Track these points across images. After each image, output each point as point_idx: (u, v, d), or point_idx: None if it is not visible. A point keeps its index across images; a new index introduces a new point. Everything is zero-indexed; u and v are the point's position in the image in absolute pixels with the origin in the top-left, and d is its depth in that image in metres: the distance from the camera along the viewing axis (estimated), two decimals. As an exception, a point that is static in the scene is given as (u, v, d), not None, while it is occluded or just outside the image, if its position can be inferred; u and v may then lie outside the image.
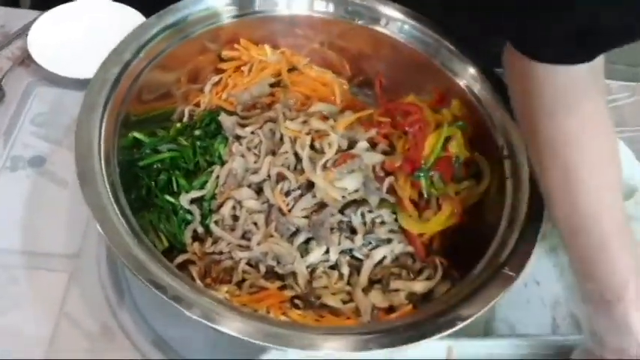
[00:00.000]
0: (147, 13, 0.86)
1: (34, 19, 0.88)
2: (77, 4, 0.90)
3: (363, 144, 0.67)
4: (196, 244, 0.64)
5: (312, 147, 0.66)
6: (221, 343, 0.59)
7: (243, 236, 0.63)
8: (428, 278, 0.65)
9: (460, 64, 0.76)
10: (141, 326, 0.62)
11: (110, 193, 0.56)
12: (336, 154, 0.66)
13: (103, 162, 0.58)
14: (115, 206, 0.56)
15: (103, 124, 0.61)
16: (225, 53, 0.78)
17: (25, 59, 0.84)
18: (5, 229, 0.68)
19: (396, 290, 0.63)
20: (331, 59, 0.82)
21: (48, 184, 0.73)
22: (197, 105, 0.77)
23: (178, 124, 0.74)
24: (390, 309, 0.62)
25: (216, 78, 0.78)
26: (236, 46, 0.77)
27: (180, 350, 0.61)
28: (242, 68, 0.77)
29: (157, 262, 0.53)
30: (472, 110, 0.74)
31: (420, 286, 0.63)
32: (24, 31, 0.87)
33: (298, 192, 0.64)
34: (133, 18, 0.87)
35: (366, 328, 0.56)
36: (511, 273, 0.59)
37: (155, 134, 0.70)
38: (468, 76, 0.75)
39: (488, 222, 0.68)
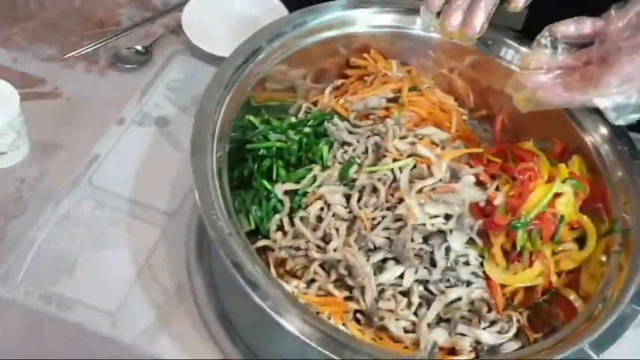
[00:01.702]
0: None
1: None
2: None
3: (469, 178, 0.64)
4: (279, 234, 0.65)
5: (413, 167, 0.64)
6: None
7: (323, 239, 0.62)
8: (499, 332, 0.60)
9: (591, 119, 0.70)
10: (210, 296, 0.64)
11: (214, 166, 0.58)
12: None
13: (216, 135, 0.60)
14: (216, 179, 0.57)
15: (226, 101, 0.63)
16: (354, 60, 0.77)
17: (176, 29, 0.90)
18: (122, 176, 0.73)
19: (462, 335, 0.59)
20: (457, 87, 0.79)
21: (166, 145, 0.77)
22: (314, 104, 0.78)
23: (292, 119, 0.75)
24: (452, 351, 0.59)
25: (338, 82, 0.78)
26: (365, 55, 0.77)
27: (241, 330, 0.62)
28: (365, 78, 0.77)
29: (241, 241, 0.54)
30: (593, 171, 0.69)
31: (489, 337, 0.59)
32: (182, 5, 0.93)
33: (385, 211, 0.62)
34: (278, 10, 0.90)
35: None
36: (594, 356, 0.53)
37: (269, 122, 0.71)
38: (597, 134, 0.69)
39: (582, 292, 0.63)
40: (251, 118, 0.69)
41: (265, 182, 0.66)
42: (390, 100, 0.74)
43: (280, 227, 0.65)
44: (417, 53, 0.77)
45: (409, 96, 0.74)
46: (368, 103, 0.73)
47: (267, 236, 0.65)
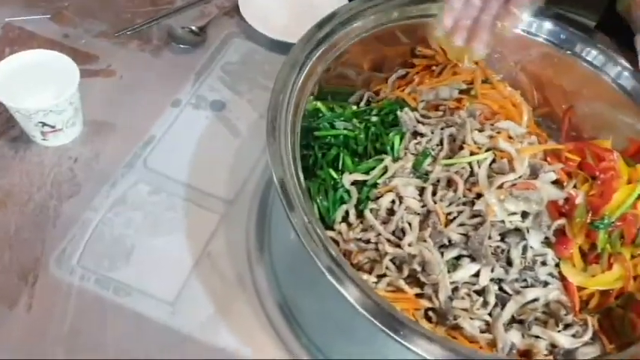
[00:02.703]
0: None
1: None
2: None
3: (549, 175, 0.60)
4: (343, 225, 0.61)
5: (491, 162, 0.60)
6: (349, 330, 0.55)
7: (394, 233, 0.58)
8: (574, 335, 0.56)
9: None
10: (273, 286, 0.61)
11: (291, 155, 0.54)
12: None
13: (289, 121, 0.57)
14: (292, 165, 0.54)
15: (298, 85, 0.59)
16: (421, 50, 0.74)
17: (231, 10, 0.87)
18: (177, 160, 0.70)
19: (537, 337, 0.56)
20: (521, 83, 0.75)
21: (222, 129, 0.74)
22: (376, 93, 0.74)
23: (354, 107, 0.71)
24: (526, 353, 0.55)
25: (402, 72, 0.75)
26: (434, 45, 0.73)
27: (304, 323, 0.59)
28: (433, 68, 0.73)
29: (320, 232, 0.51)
30: None
31: (564, 340, 0.55)
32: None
33: (462, 206, 0.58)
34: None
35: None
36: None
37: (334, 110, 0.67)
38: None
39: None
40: (319, 104, 0.66)
41: (332, 171, 0.62)
42: (461, 92, 0.70)
43: (345, 219, 0.62)
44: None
45: (481, 87, 0.70)
46: (439, 93, 0.69)
47: (331, 227, 0.61)
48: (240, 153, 0.72)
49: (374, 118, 0.67)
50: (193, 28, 0.83)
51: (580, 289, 0.60)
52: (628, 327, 0.60)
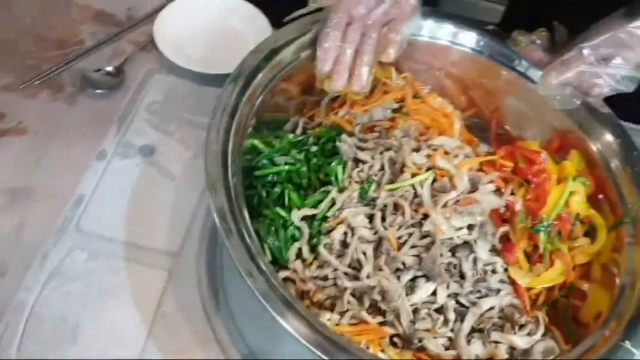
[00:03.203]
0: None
1: (162, 6, 0.85)
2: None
3: (489, 187, 0.62)
4: (298, 263, 0.60)
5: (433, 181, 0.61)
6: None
7: (350, 265, 0.58)
8: (529, 334, 0.59)
9: (584, 111, 0.68)
10: (235, 338, 0.59)
11: (235, 201, 0.53)
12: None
13: (229, 168, 0.55)
14: (237, 214, 0.52)
15: (232, 128, 0.57)
16: (348, 70, 0.73)
17: (147, 45, 0.82)
18: (112, 217, 0.66)
19: (496, 342, 0.58)
20: (448, 89, 0.77)
21: (156, 175, 0.71)
22: (311, 118, 0.73)
23: (291, 136, 0.69)
24: (489, 361, 0.57)
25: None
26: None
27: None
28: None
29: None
30: (591, 164, 0.68)
31: (520, 341, 0.58)
32: (150, 17, 0.85)
33: (411, 228, 0.59)
34: (258, 19, 0.84)
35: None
36: (633, 349, 0.53)
37: (269, 143, 0.66)
38: (591, 126, 0.68)
39: (602, 285, 0.63)
40: (255, 142, 0.64)
41: (280, 210, 0.61)
42: (394, 111, 0.71)
43: (299, 256, 0.61)
44: (406, 57, 0.74)
45: (412, 103, 0.71)
46: (373, 114, 0.69)
47: (285, 267, 0.60)
48: (178, 198, 0.68)
49: (313, 148, 0.66)
50: (109, 69, 0.78)
51: (529, 289, 0.62)
52: (572, 314, 0.64)
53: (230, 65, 0.75)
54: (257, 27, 0.83)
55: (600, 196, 0.67)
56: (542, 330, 0.60)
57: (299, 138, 0.68)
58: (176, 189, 0.69)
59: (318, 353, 0.46)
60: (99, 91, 0.75)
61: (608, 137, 0.68)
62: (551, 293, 0.64)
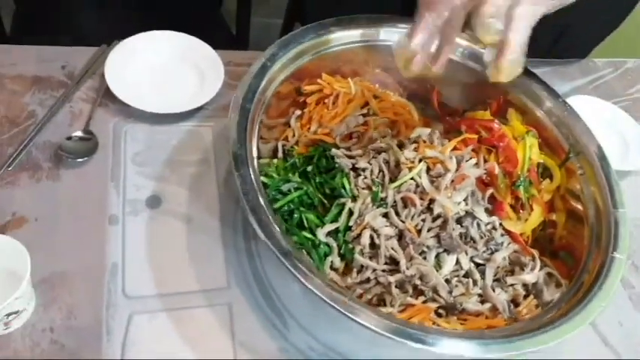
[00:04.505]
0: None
1: (98, 56, 0.81)
2: (141, 38, 0.83)
3: (471, 162, 0.69)
4: (333, 274, 0.64)
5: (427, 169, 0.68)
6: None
7: (386, 262, 0.64)
8: (532, 269, 0.69)
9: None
10: (313, 344, 0.62)
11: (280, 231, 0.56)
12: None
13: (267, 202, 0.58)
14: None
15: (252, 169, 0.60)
16: (306, 87, 0.76)
17: (104, 98, 0.78)
18: (151, 273, 0.64)
19: (512, 285, 0.67)
20: (388, 83, 0.81)
21: (172, 222, 0.69)
22: (285, 139, 0.75)
23: (275, 161, 0.72)
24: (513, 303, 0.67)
25: (298, 112, 0.76)
26: (319, 80, 0.76)
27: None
28: (325, 101, 0.76)
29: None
30: (527, 115, 0.78)
31: (530, 277, 0.66)
32: (90, 70, 0.81)
33: (422, 215, 0.66)
34: (203, 50, 0.83)
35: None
36: (620, 256, 0.63)
37: (269, 175, 0.68)
38: (515, 85, 0.76)
39: (564, 211, 0.74)
40: (262, 178, 0.65)
41: (306, 233, 0.64)
42: (364, 115, 0.75)
43: (332, 267, 0.64)
44: (350, 64, 0.78)
45: (376, 104, 0.76)
46: (348, 123, 0.73)
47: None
48: (203, 236, 0.68)
49: (309, 168, 0.69)
50: (79, 134, 0.73)
51: (521, 234, 0.72)
52: (550, 241, 0.74)
53: (193, 101, 0.77)
54: (208, 61, 0.83)
55: (540, 141, 0.77)
56: (539, 262, 0.68)
57: (291, 162, 0.70)
58: (197, 228, 0.69)
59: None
60: (79, 159, 0.71)
61: (533, 88, 0.77)
62: (534, 232, 0.73)
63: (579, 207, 0.72)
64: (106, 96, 0.78)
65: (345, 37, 0.75)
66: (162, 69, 0.83)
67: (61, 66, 0.81)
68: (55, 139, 0.73)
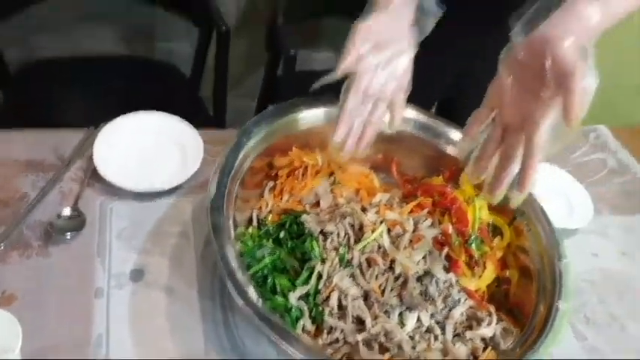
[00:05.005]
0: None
1: (86, 139, 0.87)
2: (125, 119, 0.90)
3: (426, 223, 0.76)
4: (305, 336, 0.67)
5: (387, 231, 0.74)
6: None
7: (353, 321, 0.68)
8: (489, 324, 0.74)
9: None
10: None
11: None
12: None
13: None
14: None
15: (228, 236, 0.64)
16: (278, 161, 0.82)
17: (91, 179, 0.84)
18: (135, 345, 0.67)
19: (471, 339, 0.72)
20: None
21: (156, 294, 0.73)
22: (259, 209, 0.80)
23: (251, 230, 0.77)
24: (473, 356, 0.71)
25: (271, 183, 0.82)
26: (289, 153, 0.82)
27: None
28: (295, 173, 0.82)
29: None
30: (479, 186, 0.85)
31: (487, 331, 0.71)
32: (79, 152, 0.86)
33: (385, 274, 0.71)
34: (184, 130, 0.90)
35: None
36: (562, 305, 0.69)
37: (244, 242, 0.73)
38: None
39: (517, 268, 0.79)
40: (238, 246, 0.70)
41: (278, 297, 0.68)
42: (330, 184, 0.82)
43: (304, 330, 0.68)
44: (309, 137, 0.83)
45: (340, 173, 0.83)
46: (317, 192, 0.80)
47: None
48: (185, 306, 0.72)
49: (282, 234, 0.75)
50: (68, 212, 0.78)
51: (476, 290, 0.77)
52: (505, 296, 0.79)
53: (174, 178, 0.83)
54: (188, 139, 0.90)
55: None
56: (495, 317, 0.73)
57: (264, 229, 0.76)
58: (178, 299, 0.72)
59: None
60: (67, 236, 0.76)
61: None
62: (489, 288, 0.78)
63: (528, 263, 0.78)
64: (93, 176, 0.83)
65: (310, 116, 0.82)
66: (147, 148, 0.88)
67: (53, 149, 0.87)
68: (45, 218, 0.77)
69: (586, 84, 0.56)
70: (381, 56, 0.69)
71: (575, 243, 0.96)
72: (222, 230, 0.64)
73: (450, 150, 0.87)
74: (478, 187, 0.82)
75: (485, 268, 0.77)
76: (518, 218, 0.81)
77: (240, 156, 0.73)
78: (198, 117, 1.41)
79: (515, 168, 0.63)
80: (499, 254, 0.81)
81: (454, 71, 1.12)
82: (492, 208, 0.83)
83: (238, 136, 0.75)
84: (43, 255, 0.74)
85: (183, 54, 1.68)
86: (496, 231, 0.83)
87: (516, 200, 0.64)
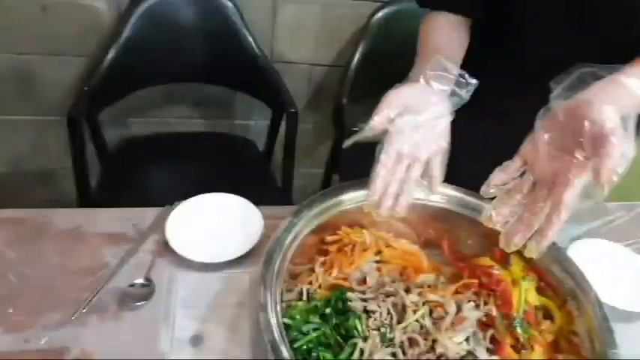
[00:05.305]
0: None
1: (161, 217, 0.98)
2: (199, 200, 1.00)
3: (469, 305, 0.76)
4: None
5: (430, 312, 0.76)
6: None
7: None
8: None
9: None
10: None
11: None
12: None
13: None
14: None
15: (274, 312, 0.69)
16: (329, 238, 0.87)
17: (162, 250, 0.93)
18: None
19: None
20: (402, 230, 0.91)
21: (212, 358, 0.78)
22: (310, 283, 0.84)
23: (300, 303, 0.80)
24: None
25: (322, 259, 0.86)
26: (338, 232, 0.87)
27: None
28: (344, 249, 0.87)
29: None
30: (528, 261, 0.85)
31: None
32: (155, 227, 0.97)
33: (427, 354, 0.72)
34: (247, 207, 0.98)
35: None
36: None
37: (293, 317, 0.76)
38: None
39: (571, 352, 0.77)
40: (284, 320, 0.74)
41: None
42: (377, 262, 0.85)
43: None
44: (358, 215, 0.87)
45: (388, 251, 0.86)
46: (362, 270, 0.83)
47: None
48: None
49: (328, 310, 0.77)
50: (140, 281, 0.87)
51: (521, 374, 0.76)
52: None
53: (235, 251, 0.89)
54: (250, 216, 0.98)
55: (542, 285, 0.83)
56: None
57: (312, 304, 0.79)
58: None
59: None
60: (138, 303, 0.84)
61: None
62: None
63: (580, 349, 0.76)
64: (165, 248, 0.93)
65: (355, 197, 0.87)
66: (213, 224, 0.97)
67: (132, 224, 0.98)
68: (122, 285, 0.87)
69: (623, 150, 0.57)
70: (413, 118, 0.73)
71: (641, 329, 0.91)
72: (266, 306, 0.69)
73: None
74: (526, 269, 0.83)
75: (532, 351, 0.76)
76: (569, 302, 0.80)
77: (291, 235, 0.79)
78: (268, 187, 1.51)
79: (536, 222, 0.64)
80: (550, 338, 0.79)
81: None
82: (543, 290, 0.82)
83: (290, 216, 0.81)
84: (116, 319, 0.83)
85: (260, 131, 1.83)
86: (550, 314, 0.81)
87: (531, 251, 0.65)
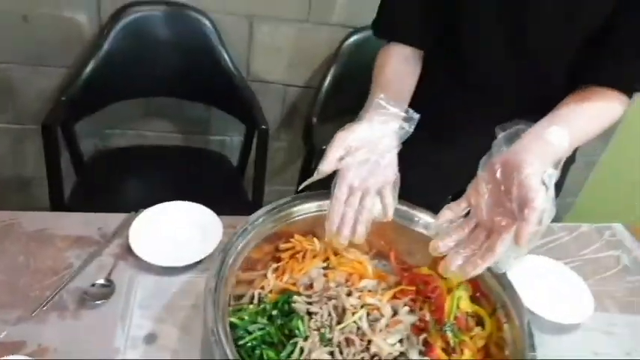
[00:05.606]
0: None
1: (126, 222, 1.03)
2: (163, 207, 1.05)
3: (405, 309, 0.82)
4: None
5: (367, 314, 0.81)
6: None
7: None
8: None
9: None
10: None
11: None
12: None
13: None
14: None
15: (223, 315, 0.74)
16: (283, 245, 0.93)
17: (124, 254, 0.97)
18: None
19: (441, 422, 0.75)
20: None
21: (163, 356, 0.82)
22: (262, 288, 0.88)
23: (252, 307, 0.85)
24: None
25: (274, 265, 0.91)
26: (292, 240, 0.93)
27: None
28: (296, 256, 0.92)
29: None
30: None
31: None
32: (118, 232, 1.01)
33: (361, 354, 0.78)
34: (208, 216, 1.04)
35: None
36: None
37: (241, 318, 0.81)
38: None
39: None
40: (232, 319, 0.78)
41: None
42: (325, 268, 0.91)
43: None
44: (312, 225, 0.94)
45: (336, 259, 0.92)
46: (310, 275, 0.89)
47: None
48: None
49: (274, 312, 0.82)
50: (101, 282, 0.91)
51: (452, 376, 0.81)
52: None
53: (194, 257, 0.94)
54: (211, 224, 1.03)
55: (477, 294, 0.89)
56: None
57: (260, 307, 0.83)
58: None
59: None
60: (98, 302, 0.88)
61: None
62: None
63: (506, 354, 0.82)
64: (128, 252, 0.97)
65: (311, 207, 0.93)
66: (174, 230, 1.02)
67: (98, 228, 1.02)
68: (82, 286, 0.91)
69: (545, 208, 0.65)
70: (359, 155, 0.80)
71: (576, 339, 0.98)
72: (216, 306, 0.74)
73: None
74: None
75: (462, 354, 0.81)
76: (499, 310, 0.86)
77: (242, 243, 0.84)
78: (240, 201, 1.57)
79: (472, 258, 0.71)
80: (480, 343, 0.84)
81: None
82: (477, 299, 0.88)
83: (244, 225, 0.87)
84: (75, 317, 0.86)
85: (235, 146, 1.88)
86: (482, 321, 0.87)
87: (456, 275, 0.72)
